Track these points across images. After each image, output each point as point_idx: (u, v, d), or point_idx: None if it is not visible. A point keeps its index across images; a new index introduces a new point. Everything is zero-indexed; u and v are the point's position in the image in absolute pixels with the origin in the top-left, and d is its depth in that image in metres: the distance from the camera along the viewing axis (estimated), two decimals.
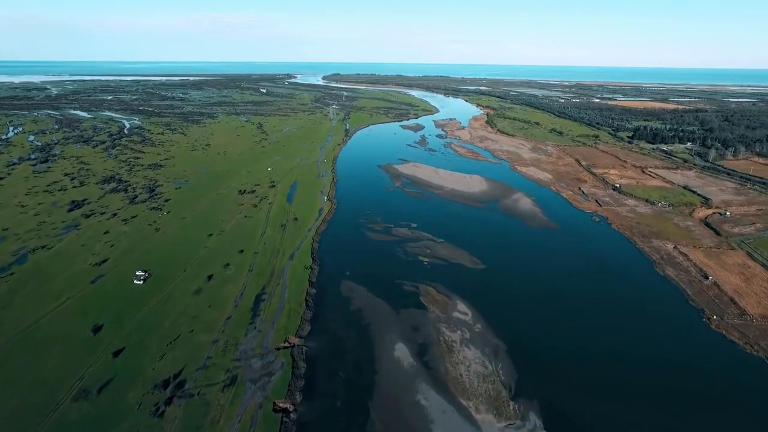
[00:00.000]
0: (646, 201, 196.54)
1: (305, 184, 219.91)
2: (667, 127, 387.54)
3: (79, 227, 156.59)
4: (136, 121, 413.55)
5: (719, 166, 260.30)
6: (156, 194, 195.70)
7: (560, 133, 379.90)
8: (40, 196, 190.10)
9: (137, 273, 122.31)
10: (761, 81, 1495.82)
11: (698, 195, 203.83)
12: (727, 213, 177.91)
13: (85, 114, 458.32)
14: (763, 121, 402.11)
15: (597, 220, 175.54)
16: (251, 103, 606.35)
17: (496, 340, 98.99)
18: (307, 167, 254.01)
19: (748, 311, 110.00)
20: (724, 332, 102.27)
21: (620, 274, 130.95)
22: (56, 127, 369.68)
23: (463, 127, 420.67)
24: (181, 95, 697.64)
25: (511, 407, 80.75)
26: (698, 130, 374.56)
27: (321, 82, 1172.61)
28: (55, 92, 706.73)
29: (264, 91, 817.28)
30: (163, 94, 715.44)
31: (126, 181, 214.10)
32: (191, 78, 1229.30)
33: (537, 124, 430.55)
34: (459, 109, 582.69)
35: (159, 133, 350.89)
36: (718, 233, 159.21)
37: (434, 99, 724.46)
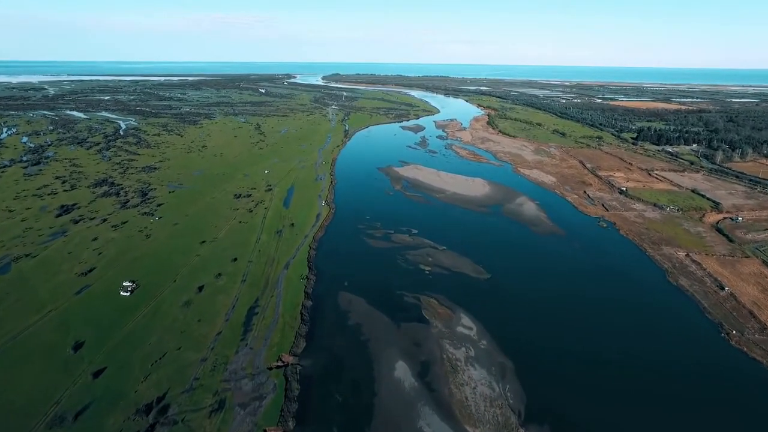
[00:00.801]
0: (654, 205, 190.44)
1: (303, 187, 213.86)
2: (671, 128, 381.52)
3: (67, 234, 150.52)
4: (132, 122, 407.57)
5: (727, 168, 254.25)
6: (148, 198, 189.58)
7: (563, 134, 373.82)
8: (29, 200, 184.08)
9: (124, 284, 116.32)
10: (762, 81, 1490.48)
11: (707, 199, 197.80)
12: (739, 218, 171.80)
13: (81, 115, 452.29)
14: None
15: (604, 225, 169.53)
16: (250, 103, 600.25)
17: (503, 358, 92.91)
18: (305, 170, 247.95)
19: None
20: (745, 349, 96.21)
21: (632, 285, 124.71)
22: (51, 128, 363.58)
23: (464, 128, 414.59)
24: (179, 95, 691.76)
25: None
26: (703, 131, 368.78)
27: (320, 83, 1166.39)
28: (53, 92, 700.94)
29: (263, 91, 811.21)
30: (161, 94, 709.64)
31: (118, 185, 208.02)
32: (190, 78, 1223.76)
33: (539, 125, 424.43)
34: (460, 110, 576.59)
35: (155, 135, 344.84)
36: (730, 240, 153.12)
37: (434, 99, 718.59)
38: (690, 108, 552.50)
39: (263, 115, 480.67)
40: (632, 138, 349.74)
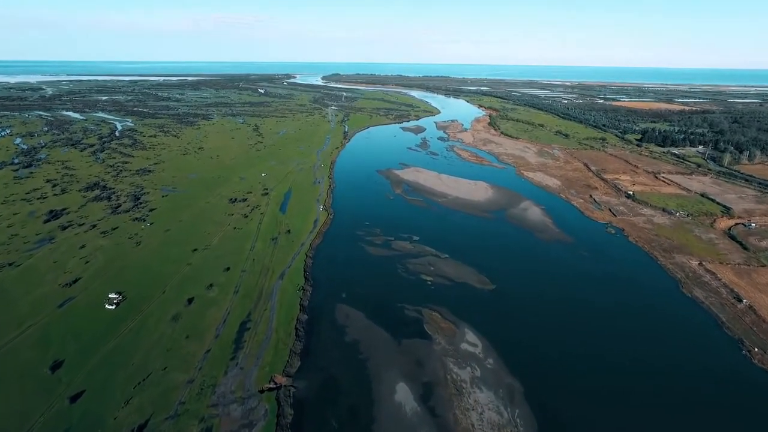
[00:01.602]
0: (663, 210, 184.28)
1: (300, 191, 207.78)
2: (676, 129, 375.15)
3: (54, 240, 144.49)
4: (128, 123, 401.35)
5: (735, 171, 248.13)
6: (141, 203, 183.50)
7: (566, 135, 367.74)
8: (17, 205, 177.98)
9: (110, 296, 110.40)
10: (762, 81, 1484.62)
11: (717, 203, 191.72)
12: (752, 224, 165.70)
13: (77, 115, 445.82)
14: None
15: (612, 231, 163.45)
16: (248, 104, 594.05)
17: (511, 378, 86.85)
18: (303, 173, 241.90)
19: None
20: None
21: (645, 297, 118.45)
22: (45, 129, 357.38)
23: (466, 129, 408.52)
24: (177, 96, 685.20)
25: None
26: (708, 132, 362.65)
27: (320, 83, 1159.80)
28: (50, 92, 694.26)
29: (262, 91, 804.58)
30: (159, 94, 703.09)
31: (111, 188, 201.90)
32: (189, 78, 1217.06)
33: (541, 125, 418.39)
34: (460, 110, 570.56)
35: (151, 136, 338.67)
36: (745, 247, 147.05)
37: (435, 99, 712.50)
38: (693, 108, 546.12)
39: (262, 115, 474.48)
40: (636, 139, 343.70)
